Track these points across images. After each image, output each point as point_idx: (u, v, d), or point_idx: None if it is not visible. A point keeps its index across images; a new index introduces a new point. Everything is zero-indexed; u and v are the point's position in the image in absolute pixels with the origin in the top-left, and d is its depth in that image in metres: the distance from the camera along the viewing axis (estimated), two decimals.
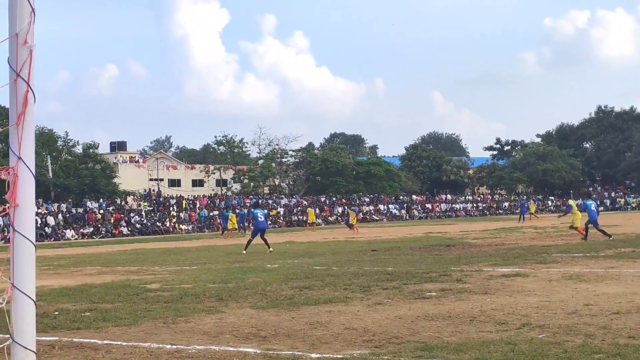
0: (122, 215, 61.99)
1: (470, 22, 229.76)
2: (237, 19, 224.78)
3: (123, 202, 67.74)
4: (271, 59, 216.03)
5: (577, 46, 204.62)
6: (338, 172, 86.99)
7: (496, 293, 13.29)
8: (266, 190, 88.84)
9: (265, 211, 30.51)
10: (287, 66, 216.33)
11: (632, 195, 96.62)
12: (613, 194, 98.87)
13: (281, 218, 73.40)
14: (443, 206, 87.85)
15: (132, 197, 70.48)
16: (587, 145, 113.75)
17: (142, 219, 62.99)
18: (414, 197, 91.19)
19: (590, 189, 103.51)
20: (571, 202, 34.99)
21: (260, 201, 53.15)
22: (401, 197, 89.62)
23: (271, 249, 28.30)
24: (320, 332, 10.10)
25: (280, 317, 11.49)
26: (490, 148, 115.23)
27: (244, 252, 28.35)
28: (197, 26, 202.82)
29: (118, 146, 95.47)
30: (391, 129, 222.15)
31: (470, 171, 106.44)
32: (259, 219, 29.27)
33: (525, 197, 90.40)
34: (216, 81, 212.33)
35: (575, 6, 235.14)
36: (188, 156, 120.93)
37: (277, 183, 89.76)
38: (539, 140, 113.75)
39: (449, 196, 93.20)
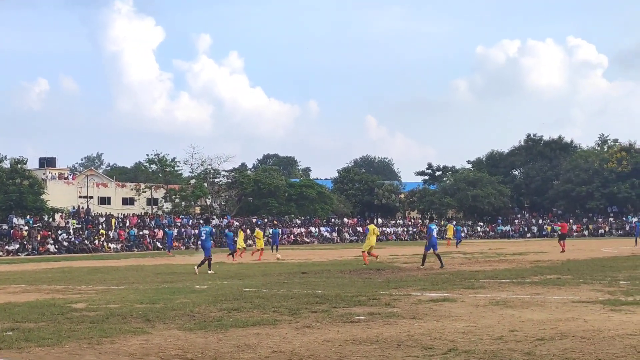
0: (50, 233, 60.90)
1: (404, 49, 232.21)
2: (172, 37, 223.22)
3: (51, 219, 66.59)
4: (205, 78, 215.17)
5: (508, 75, 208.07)
6: (270, 194, 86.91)
7: (424, 318, 13.38)
8: (198, 210, 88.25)
9: (210, 228, 30.46)
10: (222, 86, 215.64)
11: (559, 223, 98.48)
12: (540, 221, 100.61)
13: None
14: None
15: (60, 214, 69.31)
16: (516, 173, 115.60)
17: (70, 237, 61.96)
18: (345, 220, 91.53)
19: (519, 215, 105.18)
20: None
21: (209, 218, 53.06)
22: (333, 220, 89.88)
23: (211, 271, 28.25)
24: (248, 355, 10.04)
25: (208, 339, 11.40)
26: (421, 173, 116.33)
27: (210, 271, 28.13)
28: (132, 43, 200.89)
29: (47, 162, 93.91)
30: (324, 152, 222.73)
31: (402, 195, 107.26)
32: (202, 237, 29.84)
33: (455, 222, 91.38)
34: (150, 99, 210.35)
35: (507, 35, 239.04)
36: (119, 174, 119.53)
37: (208, 203, 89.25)
38: (469, 166, 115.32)
39: (380, 220, 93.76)
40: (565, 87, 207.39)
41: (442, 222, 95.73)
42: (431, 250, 30.01)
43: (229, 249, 42.37)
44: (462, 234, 59.79)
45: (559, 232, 49.04)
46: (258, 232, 47.74)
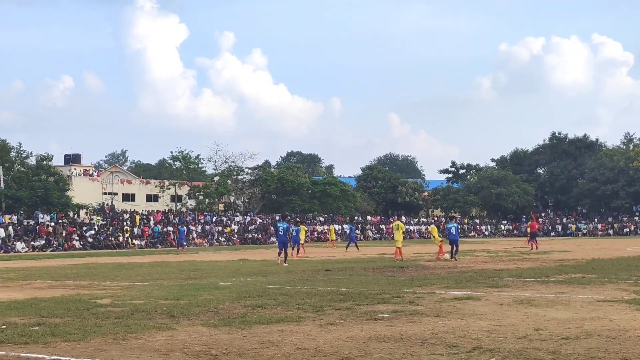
0: (75, 229, 61.23)
1: (428, 46, 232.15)
2: (196, 34, 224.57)
3: (76, 216, 66.99)
4: (228, 75, 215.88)
5: (532, 72, 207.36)
6: (294, 191, 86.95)
7: (448, 316, 13.36)
8: (221, 207, 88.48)
9: (286, 225, 33.60)
10: (245, 83, 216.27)
11: (584, 222, 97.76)
12: (565, 220, 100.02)
13: (235, 235, 73.13)
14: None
15: (85, 210, 69.73)
16: (541, 171, 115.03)
17: (95, 233, 62.30)
18: (368, 217, 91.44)
19: (543, 214, 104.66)
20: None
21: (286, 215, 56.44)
22: (356, 218, 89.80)
23: (286, 264, 30.67)
24: (272, 351, 10.06)
25: (232, 335, 11.43)
26: (445, 171, 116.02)
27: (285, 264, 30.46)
28: (155, 40, 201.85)
29: (72, 159, 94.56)
30: (347, 149, 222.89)
31: (425, 193, 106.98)
32: (280, 232, 32.31)
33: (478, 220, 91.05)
34: (173, 96, 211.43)
35: (531, 33, 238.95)
36: (143, 171, 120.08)
37: (232, 200, 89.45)
38: (493, 164, 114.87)
39: (403, 218, 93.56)
40: (590, 85, 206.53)
41: (466, 221, 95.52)
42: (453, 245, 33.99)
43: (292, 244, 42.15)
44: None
45: (529, 232, 48.81)
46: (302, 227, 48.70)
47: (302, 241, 45.68)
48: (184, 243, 58.55)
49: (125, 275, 25.66)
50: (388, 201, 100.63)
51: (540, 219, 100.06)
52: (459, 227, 49.13)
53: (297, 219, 56.56)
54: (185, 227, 64.49)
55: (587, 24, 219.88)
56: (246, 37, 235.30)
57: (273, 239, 71.34)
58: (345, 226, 78.73)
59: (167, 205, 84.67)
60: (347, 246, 50.84)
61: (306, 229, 54.11)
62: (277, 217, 65.12)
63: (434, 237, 36.94)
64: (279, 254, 32.11)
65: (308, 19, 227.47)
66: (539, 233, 62.00)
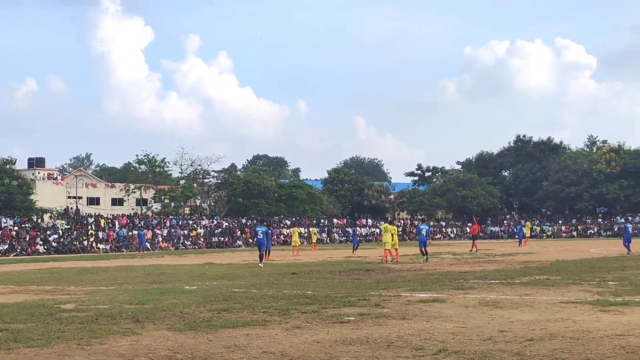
0: (38, 233, 60.67)
1: (393, 49, 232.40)
2: (161, 37, 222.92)
3: (39, 220, 66.37)
4: (194, 78, 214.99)
5: (497, 75, 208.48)
6: (260, 194, 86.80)
7: (414, 318, 13.41)
8: (187, 210, 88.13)
9: (265, 228, 35.68)
10: (211, 86, 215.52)
11: (548, 224, 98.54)
12: (523, 222, 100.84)
13: (201, 239, 72.86)
14: (363, 230, 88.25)
15: (49, 214, 69.11)
16: (506, 174, 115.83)
17: (59, 237, 61.76)
18: (335, 220, 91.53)
19: (508, 216, 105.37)
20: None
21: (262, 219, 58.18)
22: (322, 221, 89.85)
23: (261, 264, 32.32)
24: (238, 355, 10.04)
25: (198, 339, 11.39)
26: (411, 174, 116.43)
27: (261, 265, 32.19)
28: (120, 43, 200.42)
29: (36, 162, 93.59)
30: (314, 153, 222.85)
31: (391, 196, 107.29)
32: (259, 236, 34.03)
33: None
34: (138, 99, 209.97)
35: (495, 36, 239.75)
36: (108, 174, 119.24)
37: (198, 204, 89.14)
38: (459, 167, 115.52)
39: (369, 220, 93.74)
40: (554, 88, 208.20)
41: (432, 223, 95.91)
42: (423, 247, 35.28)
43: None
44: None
45: (470, 234, 50.67)
46: (296, 229, 51.40)
47: (297, 243, 48.14)
48: (148, 247, 58.29)
49: (89, 280, 25.46)
50: (354, 204, 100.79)
51: (505, 222, 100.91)
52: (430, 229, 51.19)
53: (265, 222, 56.59)
54: (145, 231, 64.17)
55: (551, 27, 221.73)
56: (212, 40, 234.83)
57: (239, 242, 71.50)
58: (349, 229, 79.70)
59: (133, 209, 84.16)
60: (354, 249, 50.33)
61: (300, 230, 54.73)
62: (243, 220, 65.40)
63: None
64: (260, 257, 33.50)
65: (274, 21, 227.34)
66: (479, 235, 64.00)
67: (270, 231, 43.32)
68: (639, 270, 25.65)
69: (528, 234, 63.55)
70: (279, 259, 39.52)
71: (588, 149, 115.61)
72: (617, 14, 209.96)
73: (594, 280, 21.45)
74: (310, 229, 67.44)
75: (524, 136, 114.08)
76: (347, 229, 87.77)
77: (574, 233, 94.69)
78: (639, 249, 44.65)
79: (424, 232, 36.25)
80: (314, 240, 59.22)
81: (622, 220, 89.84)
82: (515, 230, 65.55)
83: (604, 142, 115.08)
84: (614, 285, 19.45)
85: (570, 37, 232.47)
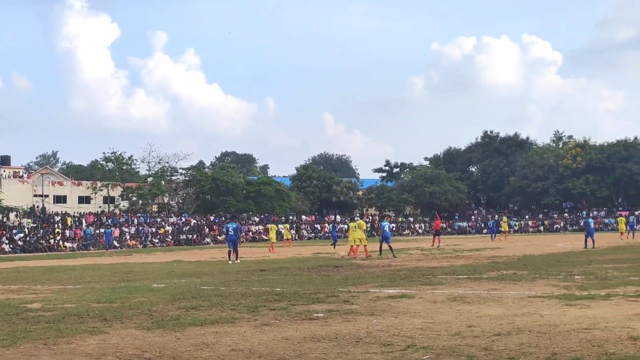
0: (4, 232, 60.11)
1: (361, 46, 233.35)
2: (128, 34, 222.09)
3: (5, 219, 65.73)
4: (161, 75, 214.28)
5: (464, 72, 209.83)
6: (228, 191, 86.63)
7: (382, 314, 13.42)
8: (155, 208, 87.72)
9: (236, 225, 35.47)
10: (178, 83, 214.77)
11: (515, 219, 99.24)
12: (497, 217, 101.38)
13: (169, 236, 72.56)
14: (332, 226, 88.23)
15: (14, 213, 68.48)
16: (473, 169, 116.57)
17: (25, 236, 61.21)
18: (303, 217, 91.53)
19: (475, 211, 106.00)
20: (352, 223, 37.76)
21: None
22: (291, 217, 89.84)
23: (237, 260, 32.70)
24: (206, 353, 10.00)
25: (166, 338, 11.32)
26: (379, 170, 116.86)
27: (230, 262, 32.45)
28: (86, 40, 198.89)
29: (1, 161, 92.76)
30: (282, 149, 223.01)
31: (360, 192, 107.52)
32: (230, 232, 34.24)
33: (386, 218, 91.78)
34: (105, 96, 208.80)
35: (462, 32, 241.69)
36: (75, 172, 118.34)
37: (166, 201, 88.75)
38: (427, 163, 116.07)
39: (338, 217, 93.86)
40: (520, 84, 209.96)
41: (400, 219, 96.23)
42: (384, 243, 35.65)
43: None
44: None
45: (434, 230, 51.84)
46: (272, 226, 52.79)
47: (273, 240, 49.89)
48: (115, 244, 57.95)
49: (56, 279, 25.24)
50: (323, 200, 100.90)
51: (472, 217, 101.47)
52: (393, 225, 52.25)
53: (234, 217, 56.52)
54: (112, 229, 63.81)
55: (517, 24, 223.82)
56: (179, 36, 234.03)
57: (208, 239, 71.31)
58: (329, 225, 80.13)
59: (100, 207, 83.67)
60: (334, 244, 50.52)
61: (276, 227, 55.21)
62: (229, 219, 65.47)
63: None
64: (228, 253, 33.74)
65: (242, 18, 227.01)
66: (442, 230, 65.09)
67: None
68: (604, 264, 25.88)
69: (506, 229, 64.04)
70: (248, 256, 39.42)
71: (554, 145, 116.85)
72: (583, 11, 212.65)
73: (560, 274, 21.61)
74: (283, 226, 67.37)
75: (491, 132, 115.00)
76: (316, 225, 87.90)
77: (541, 228, 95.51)
78: (603, 243, 45.14)
79: (386, 228, 36.54)
80: (288, 237, 59.29)
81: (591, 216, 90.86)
82: (489, 225, 65.92)
83: (570, 137, 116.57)
84: (580, 280, 19.61)
85: (537, 34, 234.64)
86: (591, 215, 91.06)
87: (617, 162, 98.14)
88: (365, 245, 35.18)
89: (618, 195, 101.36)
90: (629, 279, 19.47)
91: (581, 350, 9.56)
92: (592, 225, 42.45)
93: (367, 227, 37.26)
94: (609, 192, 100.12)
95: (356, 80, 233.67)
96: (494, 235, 60.43)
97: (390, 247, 35.29)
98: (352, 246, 35.26)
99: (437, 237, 50.55)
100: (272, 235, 50.67)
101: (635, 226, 59.99)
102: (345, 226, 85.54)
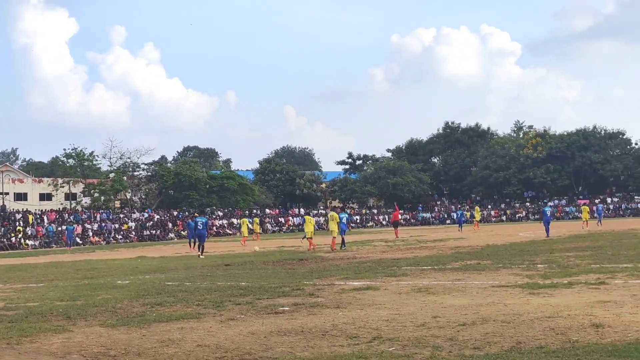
0: None
1: (321, 38, 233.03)
2: (86, 29, 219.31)
3: None
4: (121, 70, 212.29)
5: (424, 63, 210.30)
6: (191, 186, 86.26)
7: (348, 307, 13.46)
8: (117, 204, 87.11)
9: (205, 219, 36.60)
10: (138, 77, 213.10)
11: (466, 208, 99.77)
12: (463, 207, 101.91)
13: (133, 232, 72.11)
14: (296, 220, 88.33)
15: None
16: (435, 160, 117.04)
17: None
18: (267, 210, 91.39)
19: (438, 202, 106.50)
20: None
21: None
22: (255, 211, 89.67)
23: (202, 256, 33.16)
24: (172, 349, 9.96)
25: (131, 335, 11.26)
26: (342, 162, 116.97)
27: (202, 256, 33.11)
28: (44, 35, 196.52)
29: None
30: (244, 143, 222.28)
31: (323, 185, 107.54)
32: (199, 226, 35.13)
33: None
34: (64, 92, 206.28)
35: (422, 24, 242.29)
36: (35, 169, 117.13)
37: (128, 197, 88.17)
38: (389, 154, 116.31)
39: (301, 210, 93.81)
40: (480, 75, 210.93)
41: (364, 211, 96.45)
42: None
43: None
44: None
45: (392, 221, 52.62)
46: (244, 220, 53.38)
47: (245, 234, 51.12)
48: (78, 241, 57.47)
49: (18, 277, 24.99)
50: (286, 194, 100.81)
51: (435, 208, 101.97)
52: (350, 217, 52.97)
53: (195, 214, 56.24)
54: (74, 226, 63.28)
55: (476, 15, 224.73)
56: (138, 30, 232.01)
57: (171, 235, 70.95)
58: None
59: (62, 204, 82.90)
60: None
61: (248, 221, 55.34)
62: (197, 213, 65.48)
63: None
64: (199, 247, 34.76)
65: (201, 11, 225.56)
66: (400, 222, 66.45)
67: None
68: (566, 253, 26.16)
69: (478, 218, 64.40)
70: (212, 251, 39.29)
71: (515, 135, 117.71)
72: (540, 1, 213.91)
73: (523, 263, 21.82)
74: (252, 220, 66.90)
75: (453, 123, 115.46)
76: (280, 218, 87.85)
77: (503, 217, 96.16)
78: (564, 231, 45.63)
79: (344, 220, 37.09)
80: (257, 230, 59.30)
81: (549, 203, 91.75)
82: (457, 215, 66.19)
83: (530, 127, 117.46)
84: (542, 269, 19.80)
85: (495, 24, 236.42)
86: (551, 204, 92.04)
87: (576, 151, 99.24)
88: (333, 238, 35.63)
89: (578, 184, 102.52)
90: (591, 267, 19.70)
91: (545, 338, 9.66)
92: (548, 214, 42.85)
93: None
94: (570, 181, 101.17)
95: (316, 73, 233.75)
96: (461, 225, 60.73)
97: (343, 239, 36.14)
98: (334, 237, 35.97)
99: (396, 228, 51.24)
100: (244, 229, 50.98)
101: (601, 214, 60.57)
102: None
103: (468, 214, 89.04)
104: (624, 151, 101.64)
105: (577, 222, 60.12)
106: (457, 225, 62.19)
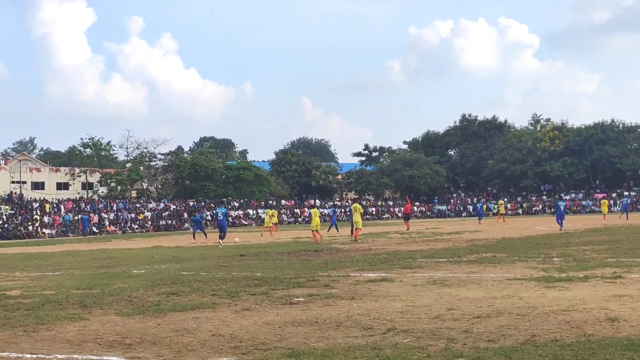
0: None
1: (339, 30, 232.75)
2: (104, 19, 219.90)
3: None
4: (138, 61, 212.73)
5: (441, 55, 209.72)
6: (207, 176, 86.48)
7: (363, 298, 13.45)
8: (134, 194, 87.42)
9: (225, 210, 38.29)
10: (155, 68, 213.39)
11: (494, 202, 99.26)
12: (475, 200, 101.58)
13: (149, 222, 72.35)
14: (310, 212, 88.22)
15: None
16: (452, 153, 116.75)
17: (3, 223, 60.84)
18: (282, 202, 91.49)
19: (454, 195, 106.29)
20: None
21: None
22: (270, 202, 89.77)
23: (221, 246, 33.72)
24: (187, 339, 9.99)
25: (146, 324, 11.30)
26: (358, 154, 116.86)
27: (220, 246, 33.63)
28: (62, 25, 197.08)
29: None
30: (261, 134, 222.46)
31: (339, 176, 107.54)
32: (219, 217, 36.34)
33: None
34: (81, 82, 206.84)
35: (439, 16, 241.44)
36: (53, 158, 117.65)
37: (145, 187, 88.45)
38: (405, 147, 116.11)
39: (317, 201, 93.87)
40: (497, 67, 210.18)
41: (380, 203, 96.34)
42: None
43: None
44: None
45: (404, 213, 52.80)
46: (268, 211, 52.77)
47: (269, 225, 49.85)
48: (95, 230, 57.74)
49: (35, 266, 25.14)
50: (302, 185, 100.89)
51: (451, 201, 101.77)
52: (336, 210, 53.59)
53: (212, 205, 56.54)
54: (90, 215, 63.60)
55: (494, 7, 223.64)
56: (155, 21, 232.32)
57: (187, 225, 71.11)
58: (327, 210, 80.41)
59: (78, 193, 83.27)
60: (329, 228, 50.59)
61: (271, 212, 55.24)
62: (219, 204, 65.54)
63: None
64: (220, 237, 35.28)
65: (218, 2, 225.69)
66: (412, 215, 67.02)
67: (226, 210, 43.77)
68: (582, 246, 26.06)
69: (503, 211, 64.39)
70: (228, 242, 39.33)
71: (532, 128, 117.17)
72: None
73: (539, 257, 21.74)
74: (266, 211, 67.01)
75: (469, 115, 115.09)
76: (296, 209, 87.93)
77: (519, 211, 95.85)
78: (581, 225, 45.44)
79: (220, 215, 37.59)
80: (275, 221, 59.28)
81: (566, 197, 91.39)
82: (477, 208, 66.05)
83: (548, 120, 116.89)
84: (558, 262, 19.73)
85: (513, 17, 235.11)
86: (568, 197, 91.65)
87: (594, 145, 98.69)
88: (357, 229, 36.10)
89: (595, 177, 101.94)
90: (607, 260, 19.62)
91: (560, 331, 9.64)
92: (561, 208, 42.62)
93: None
94: (587, 175, 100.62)
95: (334, 64, 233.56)
96: (481, 218, 60.60)
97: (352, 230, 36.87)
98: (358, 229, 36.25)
99: (407, 221, 51.11)
100: (268, 220, 50.88)
101: (627, 208, 60.49)
102: (326, 210, 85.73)
103: (484, 207, 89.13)
104: None
105: (594, 216, 59.82)
106: (477, 218, 62.16)
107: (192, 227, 47.78)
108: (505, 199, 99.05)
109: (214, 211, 38.76)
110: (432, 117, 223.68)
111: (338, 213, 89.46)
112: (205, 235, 41.64)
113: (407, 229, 47.12)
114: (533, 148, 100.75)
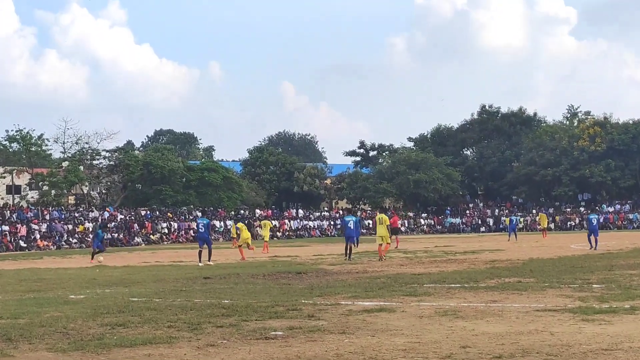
0: None
1: (329, 0, 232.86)
2: None
3: None
4: (78, 34, 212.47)
5: (456, 31, 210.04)
6: (164, 179, 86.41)
7: (356, 332, 13.48)
8: (71, 200, 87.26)
9: (207, 221, 38.23)
10: (99, 43, 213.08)
11: (520, 214, 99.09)
12: (497, 212, 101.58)
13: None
14: (293, 223, 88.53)
15: None
16: (468, 153, 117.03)
17: None
18: (257, 211, 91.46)
19: (471, 204, 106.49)
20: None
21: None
22: (242, 212, 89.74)
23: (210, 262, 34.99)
24: None
25: None
26: (352, 153, 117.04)
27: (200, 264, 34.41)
28: None
29: None
30: (231, 127, 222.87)
31: (328, 181, 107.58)
32: (200, 229, 36.86)
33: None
34: (7, 59, 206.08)
35: None
36: None
37: (85, 191, 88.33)
38: (411, 145, 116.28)
39: (300, 211, 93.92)
40: (526, 47, 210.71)
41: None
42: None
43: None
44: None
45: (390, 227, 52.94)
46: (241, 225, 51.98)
47: (267, 238, 51.49)
48: (22, 244, 57.58)
49: None
50: (282, 191, 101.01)
51: (467, 212, 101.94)
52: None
53: (169, 214, 56.38)
54: (19, 226, 63.50)
55: None
56: None
57: (138, 239, 71.05)
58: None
59: (3, 199, 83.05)
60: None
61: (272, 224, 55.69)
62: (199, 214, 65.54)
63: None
64: (200, 253, 35.59)
65: None
66: (400, 230, 68.36)
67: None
68: (628, 270, 26.15)
69: (545, 225, 64.75)
70: (189, 260, 39.35)
71: (568, 122, 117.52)
72: None
73: (575, 282, 21.83)
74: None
75: (490, 106, 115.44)
76: (273, 221, 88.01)
77: (552, 225, 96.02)
78: (627, 244, 45.56)
79: (351, 225, 37.60)
80: (266, 238, 58.75)
81: (609, 209, 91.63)
82: (511, 222, 66.03)
83: (587, 113, 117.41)
84: (598, 289, 19.81)
85: None
86: (611, 209, 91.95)
87: None
88: (382, 245, 36.48)
89: None
90: None
91: None
92: (594, 222, 42.79)
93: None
94: (635, 182, 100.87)
95: (323, 42, 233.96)
96: (511, 234, 60.86)
97: (350, 247, 36.74)
98: (380, 245, 36.49)
99: (395, 236, 50.63)
100: (265, 232, 51.48)
101: None
102: (311, 223, 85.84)
103: (507, 219, 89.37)
104: None
105: None
106: (508, 233, 62.39)
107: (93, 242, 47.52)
108: (535, 211, 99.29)
109: (196, 221, 39.68)
110: (444, 109, 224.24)
111: (326, 226, 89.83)
112: (93, 256, 41.32)
113: (396, 247, 47.40)
114: (569, 148, 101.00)
